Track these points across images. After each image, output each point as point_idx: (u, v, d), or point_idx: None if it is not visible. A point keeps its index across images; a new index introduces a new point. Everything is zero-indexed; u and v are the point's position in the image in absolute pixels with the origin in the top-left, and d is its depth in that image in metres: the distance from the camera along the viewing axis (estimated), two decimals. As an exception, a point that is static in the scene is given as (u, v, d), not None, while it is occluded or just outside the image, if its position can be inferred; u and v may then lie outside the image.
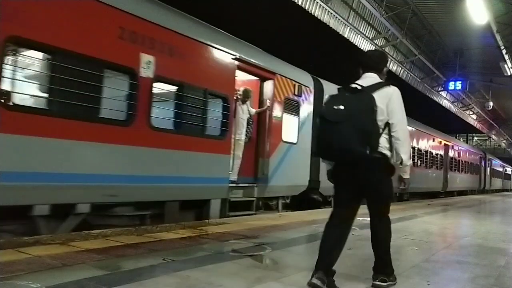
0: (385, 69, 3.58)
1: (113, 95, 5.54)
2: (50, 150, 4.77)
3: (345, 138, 3.05)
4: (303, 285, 3.20)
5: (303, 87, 9.47)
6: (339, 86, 3.39)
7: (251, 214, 7.80)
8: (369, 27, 17.22)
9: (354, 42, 16.90)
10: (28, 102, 4.92)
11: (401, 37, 17.47)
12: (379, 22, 16.86)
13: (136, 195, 5.77)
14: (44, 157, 4.75)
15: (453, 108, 28.77)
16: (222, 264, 3.89)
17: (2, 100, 4.41)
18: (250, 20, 17.42)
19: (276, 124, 8.61)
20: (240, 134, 7.89)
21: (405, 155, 3.22)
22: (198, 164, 6.69)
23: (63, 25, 4.89)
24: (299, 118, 9.36)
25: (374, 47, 17.53)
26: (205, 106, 6.72)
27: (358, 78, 3.46)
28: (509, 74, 19.21)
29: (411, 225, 7.69)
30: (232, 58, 7.32)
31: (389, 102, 3.20)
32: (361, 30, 16.73)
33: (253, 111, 8.23)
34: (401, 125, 3.23)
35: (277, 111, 8.61)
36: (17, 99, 4.67)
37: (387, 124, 3.21)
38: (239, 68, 7.52)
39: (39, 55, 4.88)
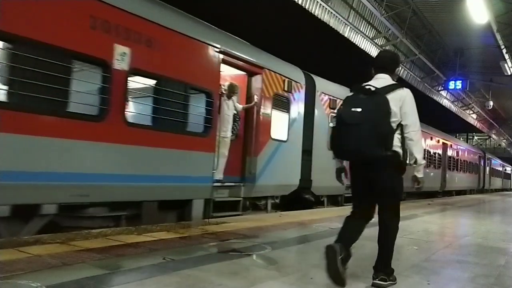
0: (397, 69, 3.70)
1: (83, 88, 5.26)
2: (11, 146, 4.48)
3: (363, 140, 3.22)
4: (303, 285, 3.20)
5: (293, 82, 9.13)
6: (349, 87, 3.54)
7: (237, 215, 7.52)
8: (369, 26, 17.19)
9: (354, 42, 16.86)
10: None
11: (401, 36, 17.45)
12: (379, 21, 16.83)
13: (109, 195, 5.47)
14: (5, 154, 4.43)
15: (453, 108, 28.73)
16: (222, 263, 3.89)
17: None
18: (250, 20, 17.43)
19: (265, 121, 8.28)
20: (226, 131, 7.54)
21: (419, 155, 3.38)
22: (178, 162, 6.37)
23: (26, 13, 4.57)
24: (289, 115, 9.04)
25: (374, 46, 17.54)
26: (186, 101, 6.40)
27: (370, 79, 3.55)
28: (509, 73, 19.21)
29: (411, 224, 7.69)
30: (216, 51, 6.96)
31: (402, 105, 3.35)
32: (361, 29, 16.70)
33: (239, 107, 7.92)
34: (415, 126, 3.37)
35: (265, 107, 8.28)
36: None
37: (399, 125, 3.35)
38: (224, 62, 7.17)
39: None
